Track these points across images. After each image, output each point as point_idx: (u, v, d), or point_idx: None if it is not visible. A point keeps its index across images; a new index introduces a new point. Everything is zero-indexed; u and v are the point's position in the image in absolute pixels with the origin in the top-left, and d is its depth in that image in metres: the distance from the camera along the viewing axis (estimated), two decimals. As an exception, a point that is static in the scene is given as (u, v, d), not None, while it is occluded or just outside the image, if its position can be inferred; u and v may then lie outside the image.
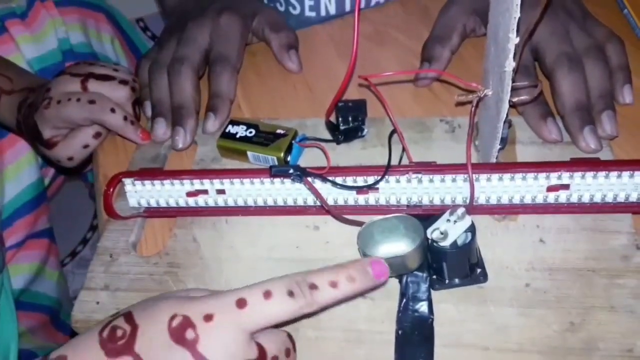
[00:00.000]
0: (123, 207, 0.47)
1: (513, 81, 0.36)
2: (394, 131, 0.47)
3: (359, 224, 0.40)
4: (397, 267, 0.37)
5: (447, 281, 0.39)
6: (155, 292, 0.41)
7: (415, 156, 0.44)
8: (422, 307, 0.38)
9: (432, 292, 0.38)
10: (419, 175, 0.41)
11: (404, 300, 0.38)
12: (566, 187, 0.40)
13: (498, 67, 0.37)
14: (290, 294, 0.32)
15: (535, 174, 0.40)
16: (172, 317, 0.31)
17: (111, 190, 0.46)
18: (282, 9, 0.69)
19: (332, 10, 0.67)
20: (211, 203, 0.45)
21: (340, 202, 0.43)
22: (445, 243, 0.37)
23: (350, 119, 0.48)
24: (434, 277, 0.39)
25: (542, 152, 0.45)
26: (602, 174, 0.39)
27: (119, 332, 0.31)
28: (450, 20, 0.54)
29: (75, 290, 0.78)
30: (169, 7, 0.66)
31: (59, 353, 0.31)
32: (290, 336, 0.35)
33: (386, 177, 0.41)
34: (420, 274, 0.39)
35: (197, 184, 0.44)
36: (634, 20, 0.55)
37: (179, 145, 0.50)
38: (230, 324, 0.31)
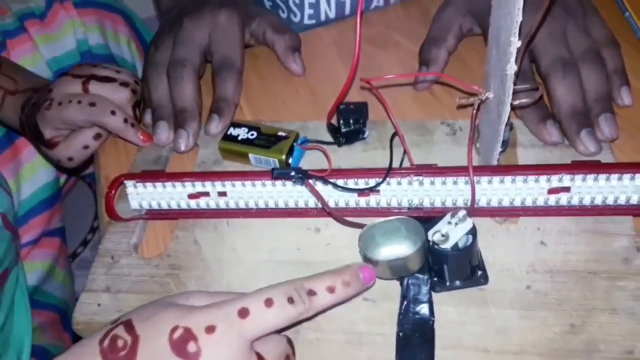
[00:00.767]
0: (124, 209, 0.47)
1: (514, 84, 0.36)
2: (395, 134, 0.47)
3: (360, 226, 0.40)
4: (398, 270, 0.38)
5: (448, 283, 0.39)
6: (157, 294, 0.42)
7: (417, 158, 0.45)
8: (423, 309, 0.38)
9: (433, 294, 0.39)
10: (420, 178, 0.41)
11: (405, 302, 0.38)
12: (567, 189, 0.40)
13: (500, 70, 0.37)
14: (290, 300, 0.32)
15: (536, 176, 0.40)
16: (174, 329, 0.31)
17: (113, 192, 0.46)
18: (284, 15, 0.69)
19: (332, 15, 0.67)
20: (213, 205, 0.45)
21: (342, 204, 0.43)
22: (447, 245, 0.37)
23: (351, 121, 0.48)
24: (435, 279, 0.39)
25: (543, 154, 0.45)
26: (603, 176, 0.39)
27: (120, 343, 0.31)
28: (445, 21, 0.54)
29: (76, 292, 0.79)
30: (165, 6, 0.64)
31: None
32: (290, 341, 0.35)
33: (387, 179, 0.41)
34: (421, 276, 0.39)
35: (198, 186, 0.44)
36: (635, 22, 0.55)
37: (181, 148, 0.50)
38: (233, 335, 0.31)
